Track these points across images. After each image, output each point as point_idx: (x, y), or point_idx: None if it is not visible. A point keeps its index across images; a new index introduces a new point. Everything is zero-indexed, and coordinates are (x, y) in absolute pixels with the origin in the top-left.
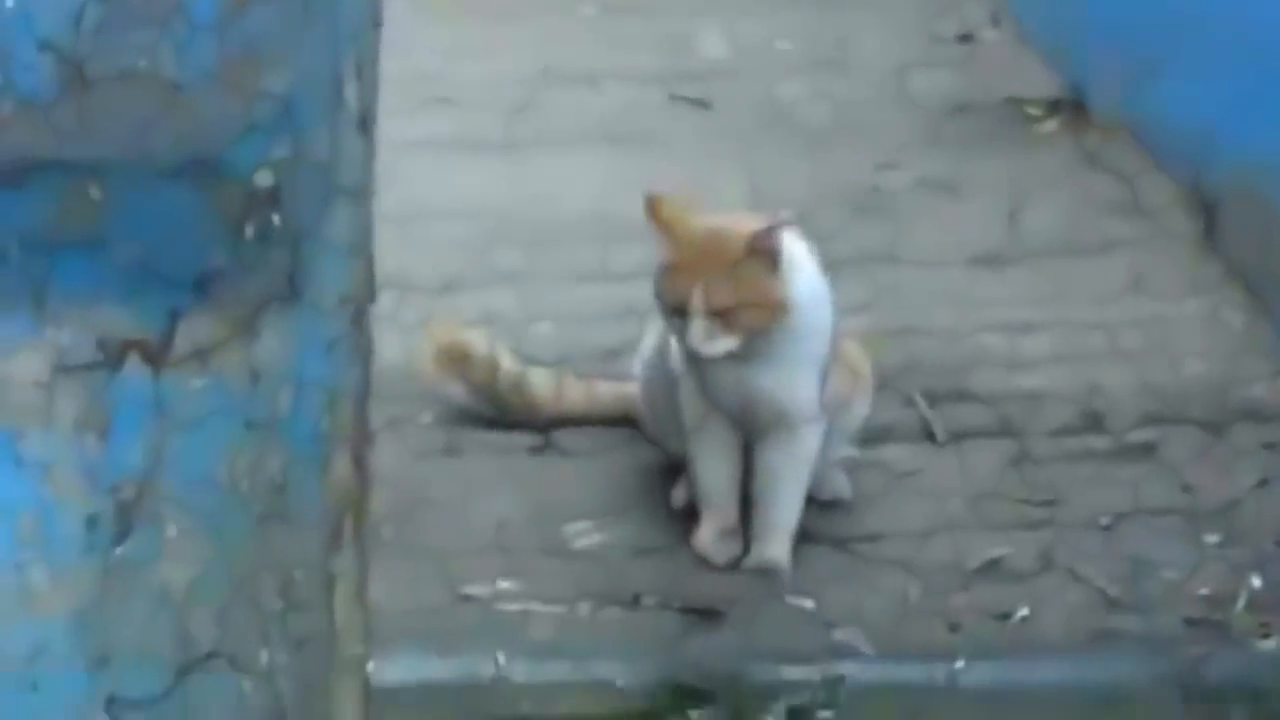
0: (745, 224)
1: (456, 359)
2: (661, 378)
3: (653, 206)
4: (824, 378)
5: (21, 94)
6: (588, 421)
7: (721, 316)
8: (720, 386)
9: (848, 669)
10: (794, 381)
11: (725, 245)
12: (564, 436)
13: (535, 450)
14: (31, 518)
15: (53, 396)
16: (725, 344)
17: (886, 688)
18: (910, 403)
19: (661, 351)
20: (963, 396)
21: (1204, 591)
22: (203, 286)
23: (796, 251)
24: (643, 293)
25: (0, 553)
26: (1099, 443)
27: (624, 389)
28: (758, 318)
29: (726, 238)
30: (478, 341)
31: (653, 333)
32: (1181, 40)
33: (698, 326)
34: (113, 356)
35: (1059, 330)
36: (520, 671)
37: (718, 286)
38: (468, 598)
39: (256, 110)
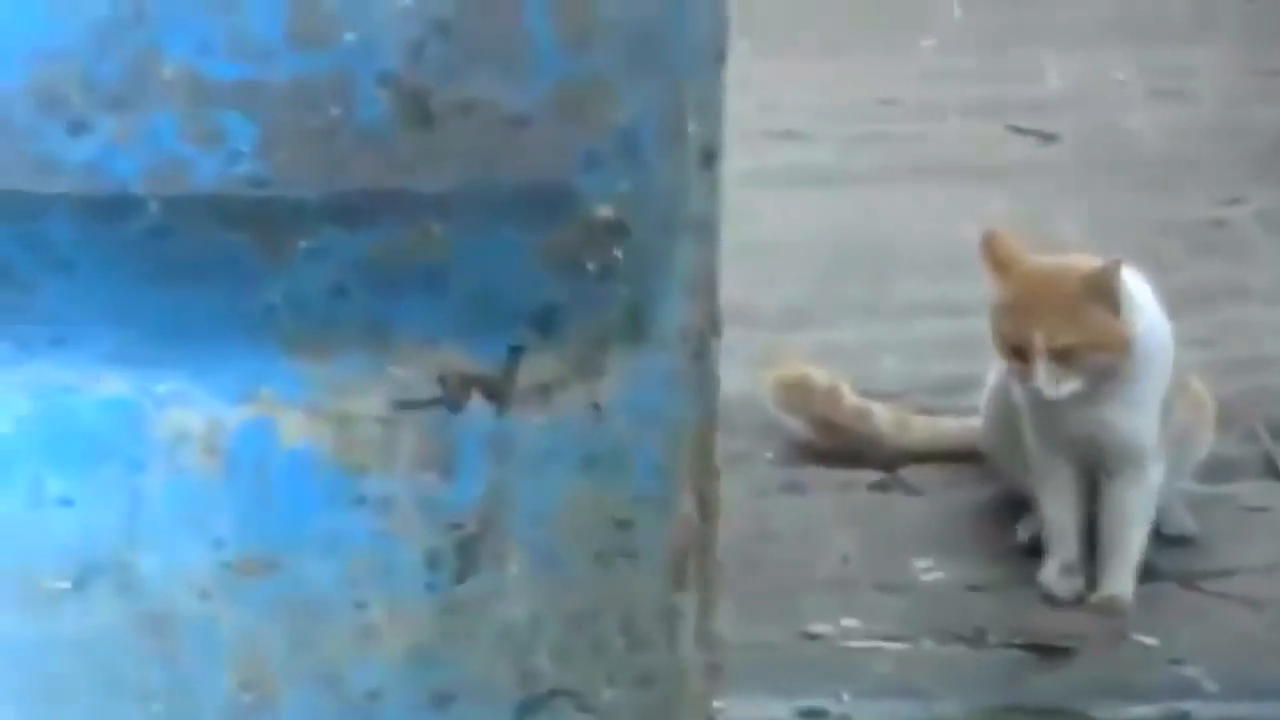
0: (1082, 263)
1: (799, 393)
2: (1005, 414)
3: (988, 244)
4: (1167, 413)
5: (363, 128)
6: (931, 457)
7: (1064, 357)
8: (1063, 425)
9: (1192, 706)
10: (1137, 419)
11: (1064, 284)
12: (907, 472)
13: (878, 486)
14: (373, 555)
15: (394, 434)
16: (1069, 386)
17: None
18: (1254, 437)
19: (1004, 387)
20: None
21: None
22: (545, 322)
23: (1136, 289)
24: (983, 326)
25: (341, 591)
26: None
27: (968, 424)
28: (1101, 358)
29: (1065, 277)
30: (820, 375)
31: (996, 368)
32: None
33: (1041, 369)
34: (454, 393)
35: None
36: (865, 710)
37: (1059, 327)
38: (811, 635)
39: (599, 143)
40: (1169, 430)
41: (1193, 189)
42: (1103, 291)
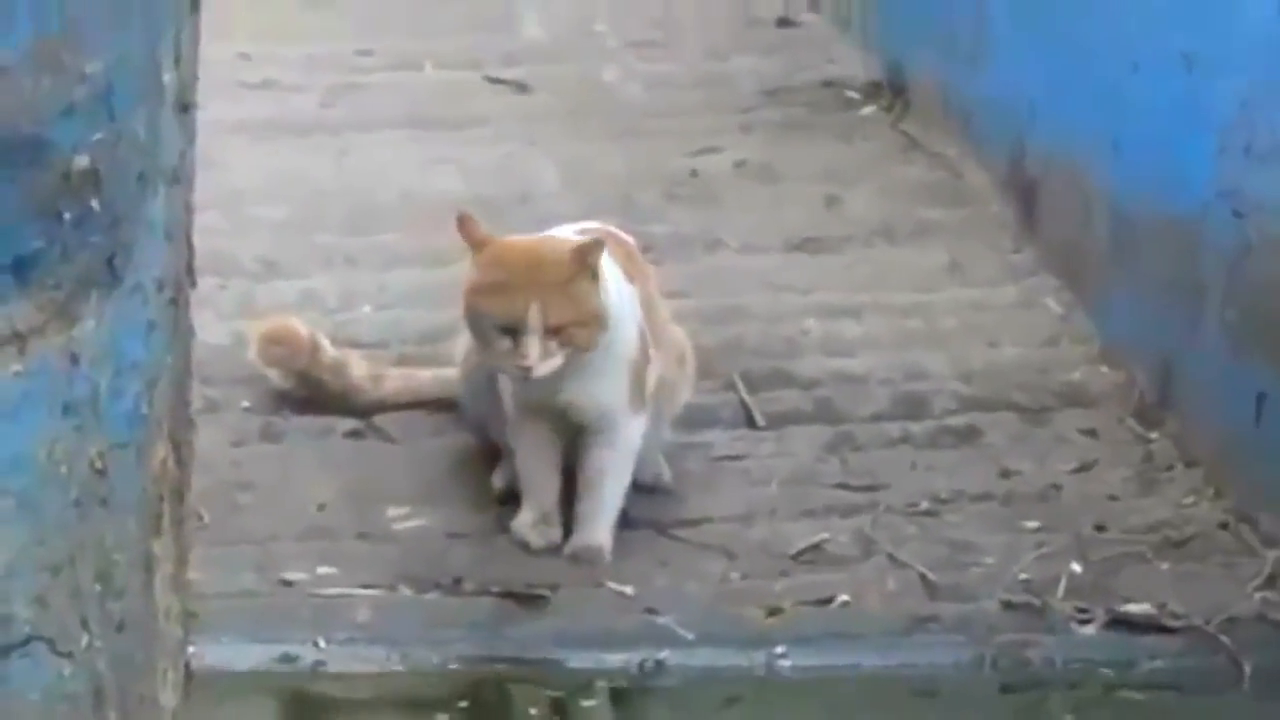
0: (560, 240)
1: (281, 345)
2: (482, 369)
3: (463, 225)
4: (637, 372)
5: None
6: (407, 406)
7: (554, 334)
8: (540, 394)
9: (667, 654)
10: (608, 385)
11: (552, 262)
12: (384, 420)
13: (354, 435)
14: None
15: None
16: (556, 362)
17: (706, 673)
18: (730, 387)
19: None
20: (782, 381)
21: (1024, 577)
22: (20, 270)
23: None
24: (459, 276)
25: None
26: (918, 428)
27: (443, 374)
28: (586, 334)
29: (552, 254)
30: (299, 327)
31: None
32: (999, 23)
33: (534, 347)
34: None
35: (878, 315)
36: (341, 656)
37: (552, 305)
38: (287, 582)
39: (74, 93)
40: (651, 385)
41: (669, 140)
42: (588, 268)
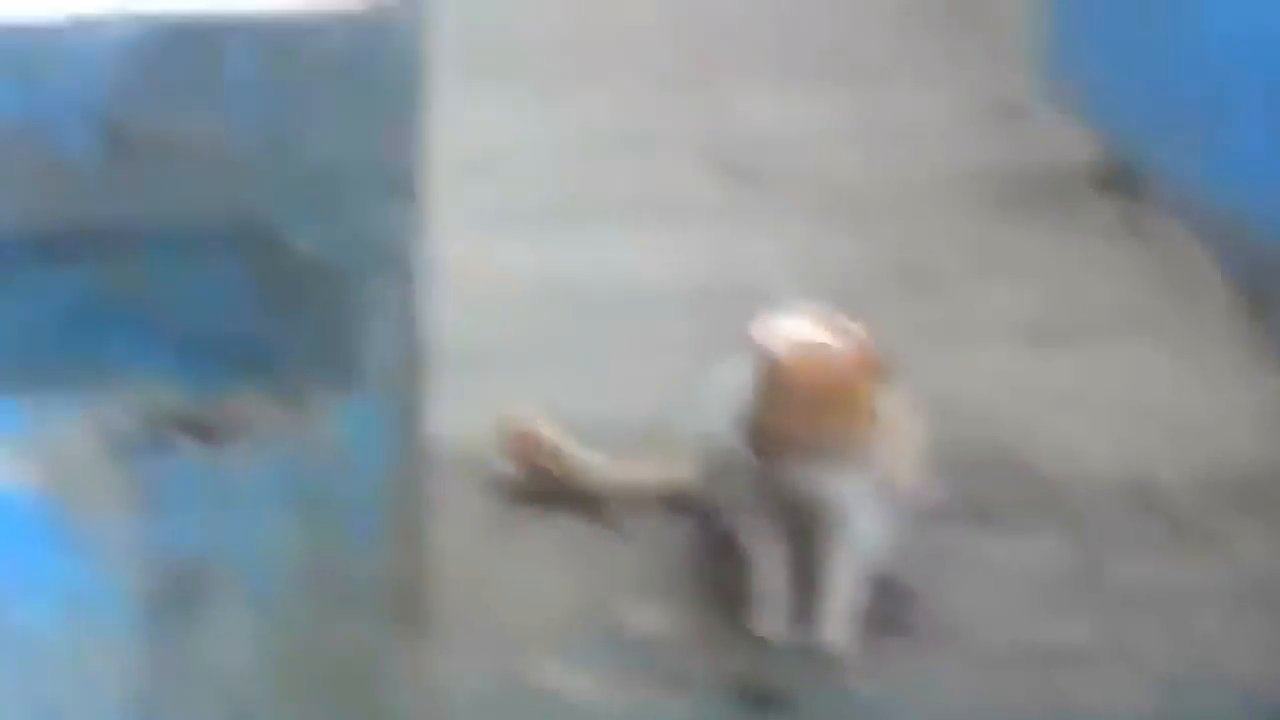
0: (840, 349)
1: (513, 437)
2: (715, 463)
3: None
4: (869, 467)
5: (67, 165)
6: (641, 499)
7: (830, 442)
8: (781, 489)
9: None
10: (847, 478)
11: (837, 373)
12: (618, 514)
13: (589, 528)
14: (83, 596)
15: (104, 473)
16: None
17: None
18: (963, 480)
19: (719, 440)
20: (1015, 475)
21: (1274, 674)
22: (253, 363)
23: None
24: (693, 366)
25: (52, 631)
26: (1154, 524)
27: (677, 467)
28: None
29: (835, 366)
30: (535, 419)
31: (706, 414)
32: (1234, 112)
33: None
34: (164, 432)
35: (1110, 408)
36: None
37: (835, 417)
38: (524, 680)
39: (305, 183)
40: (884, 478)
41: (898, 228)
42: (875, 378)
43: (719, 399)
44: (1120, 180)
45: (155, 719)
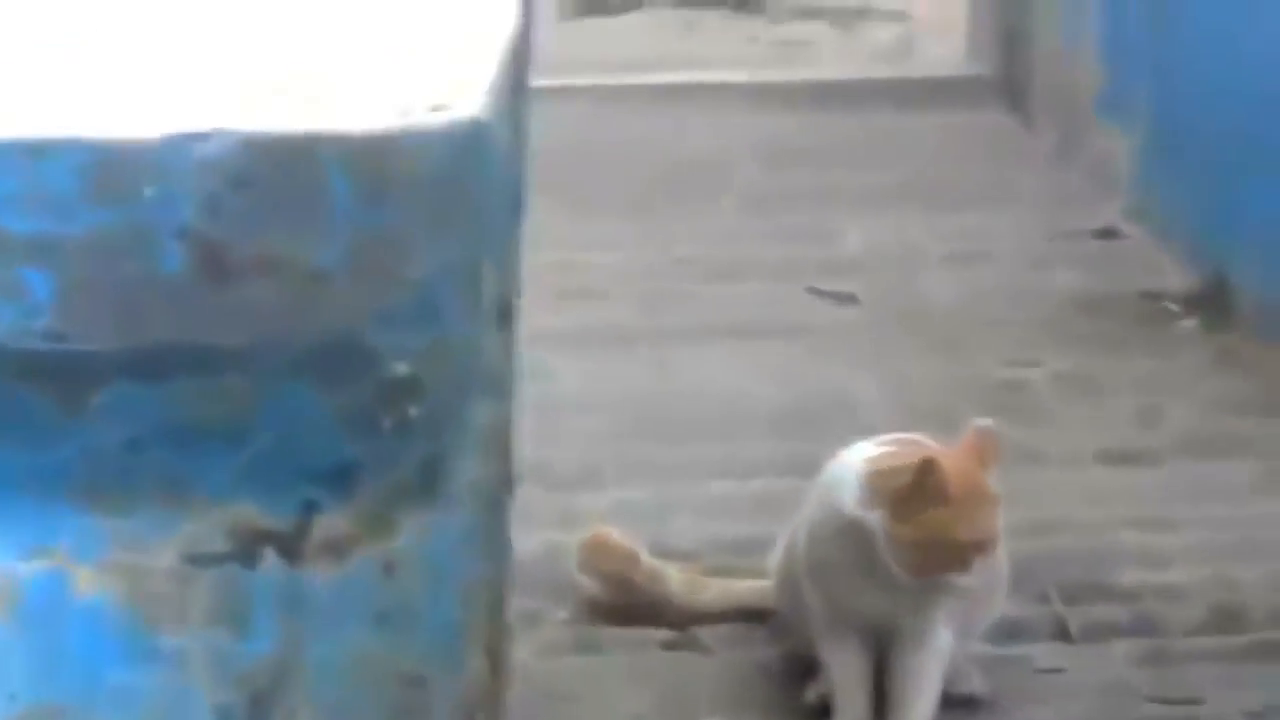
0: (944, 455)
1: (600, 554)
2: (792, 579)
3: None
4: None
5: (161, 282)
6: (723, 618)
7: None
8: (861, 599)
9: None
10: (929, 596)
11: (985, 481)
12: (699, 631)
13: (670, 646)
14: (165, 711)
15: (187, 589)
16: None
17: None
18: (1045, 599)
19: (791, 551)
20: (1098, 594)
21: None
22: (339, 479)
23: None
24: (777, 487)
25: None
26: (1235, 642)
27: (759, 585)
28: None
29: (980, 474)
30: (618, 536)
31: (788, 532)
32: None
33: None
34: (248, 549)
35: (1194, 528)
36: None
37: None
38: None
39: (395, 299)
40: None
41: (987, 351)
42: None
43: (806, 520)
44: (1211, 304)
45: None
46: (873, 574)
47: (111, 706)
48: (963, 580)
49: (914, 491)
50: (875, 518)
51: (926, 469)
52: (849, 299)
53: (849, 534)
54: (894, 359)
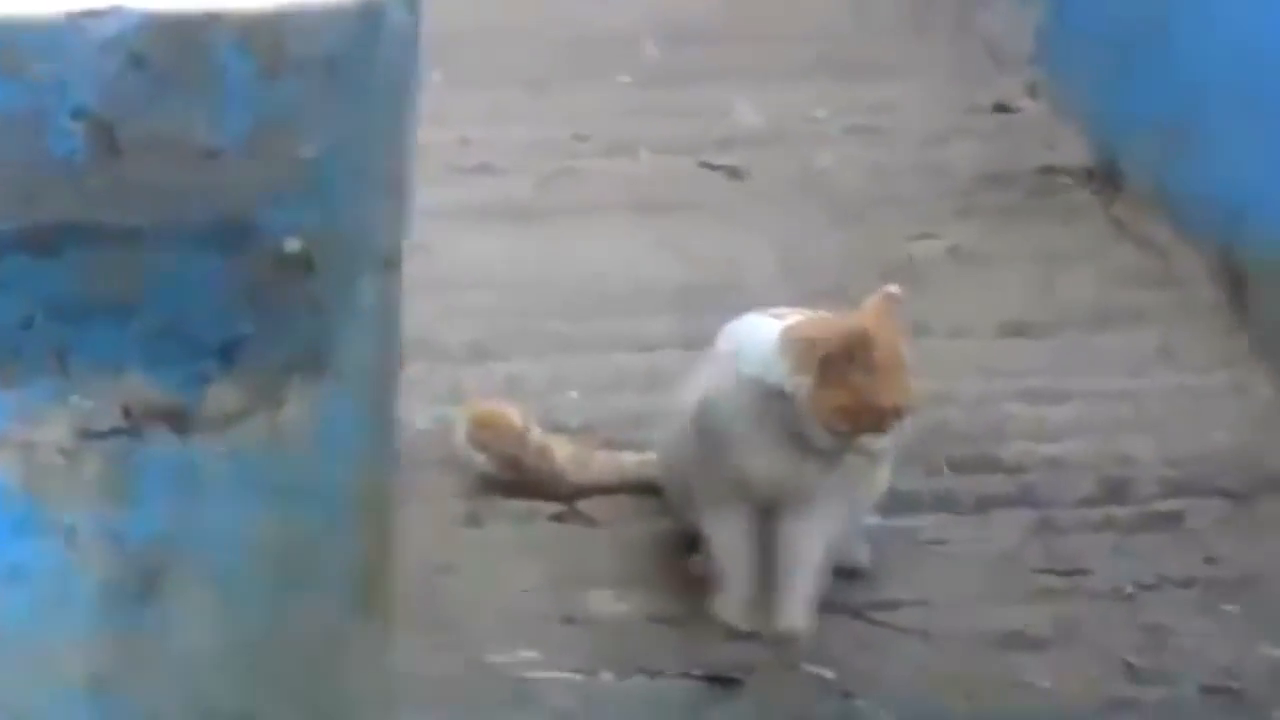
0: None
1: (490, 429)
2: (674, 453)
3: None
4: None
5: (54, 160)
6: (611, 490)
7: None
8: (767, 463)
9: None
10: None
11: (899, 346)
12: (587, 504)
13: (557, 518)
14: (53, 583)
15: (77, 463)
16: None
17: None
18: (935, 471)
19: (677, 429)
20: (987, 466)
21: (1224, 661)
22: (227, 354)
23: None
24: (671, 360)
25: (21, 618)
26: (1122, 513)
27: (646, 458)
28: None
29: (897, 338)
30: (508, 410)
31: (672, 405)
32: (1215, 111)
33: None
34: (138, 423)
35: (1085, 400)
36: None
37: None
38: (488, 666)
39: (286, 177)
40: (846, 466)
41: (884, 224)
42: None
43: (700, 391)
44: (1105, 179)
45: (119, 704)
46: (782, 439)
47: (0, 582)
48: (878, 443)
49: (841, 356)
50: (796, 382)
51: (859, 335)
52: (742, 173)
53: (761, 399)
54: (790, 233)
